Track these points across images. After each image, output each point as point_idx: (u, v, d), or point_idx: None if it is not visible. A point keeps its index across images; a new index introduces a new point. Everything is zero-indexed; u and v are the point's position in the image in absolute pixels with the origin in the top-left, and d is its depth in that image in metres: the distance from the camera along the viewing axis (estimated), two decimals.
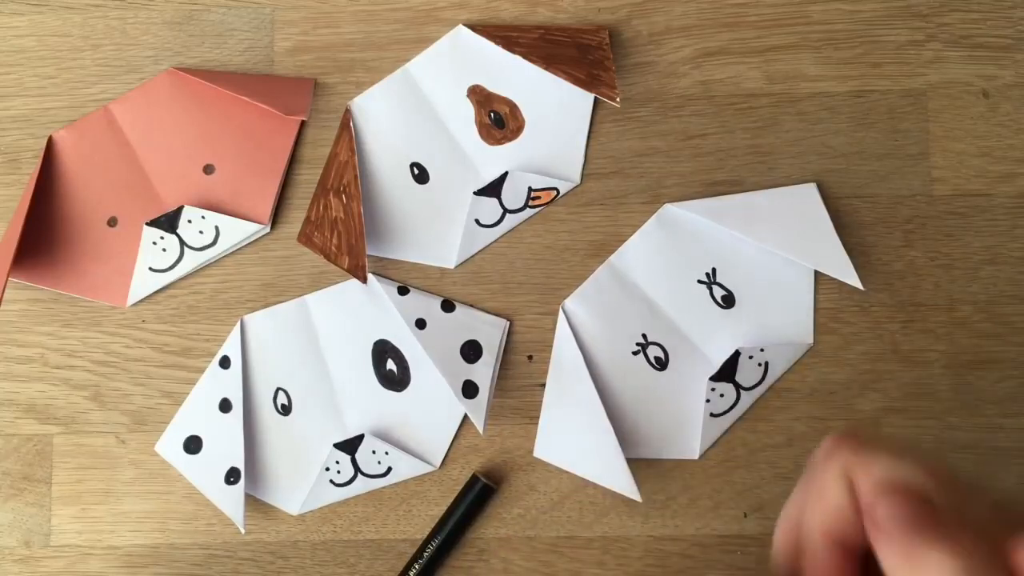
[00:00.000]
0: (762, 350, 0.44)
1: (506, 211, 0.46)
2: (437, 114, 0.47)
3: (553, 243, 0.46)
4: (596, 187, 0.46)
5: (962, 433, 0.45)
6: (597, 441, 0.43)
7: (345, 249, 0.44)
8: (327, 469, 0.45)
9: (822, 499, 0.25)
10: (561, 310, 0.46)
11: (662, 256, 0.46)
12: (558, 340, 0.45)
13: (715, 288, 0.45)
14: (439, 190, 0.46)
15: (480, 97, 0.46)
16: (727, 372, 0.44)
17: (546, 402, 0.45)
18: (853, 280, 0.43)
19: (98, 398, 0.47)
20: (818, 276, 0.45)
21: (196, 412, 0.46)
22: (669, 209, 0.46)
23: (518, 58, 0.45)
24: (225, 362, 0.46)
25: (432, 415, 0.46)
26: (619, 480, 0.43)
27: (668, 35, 0.46)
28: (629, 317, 0.45)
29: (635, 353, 0.45)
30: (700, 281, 0.45)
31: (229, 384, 0.46)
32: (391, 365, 0.46)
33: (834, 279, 0.45)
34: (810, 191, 0.45)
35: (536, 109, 0.46)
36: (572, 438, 0.45)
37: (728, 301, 0.45)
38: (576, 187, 0.46)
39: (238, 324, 0.46)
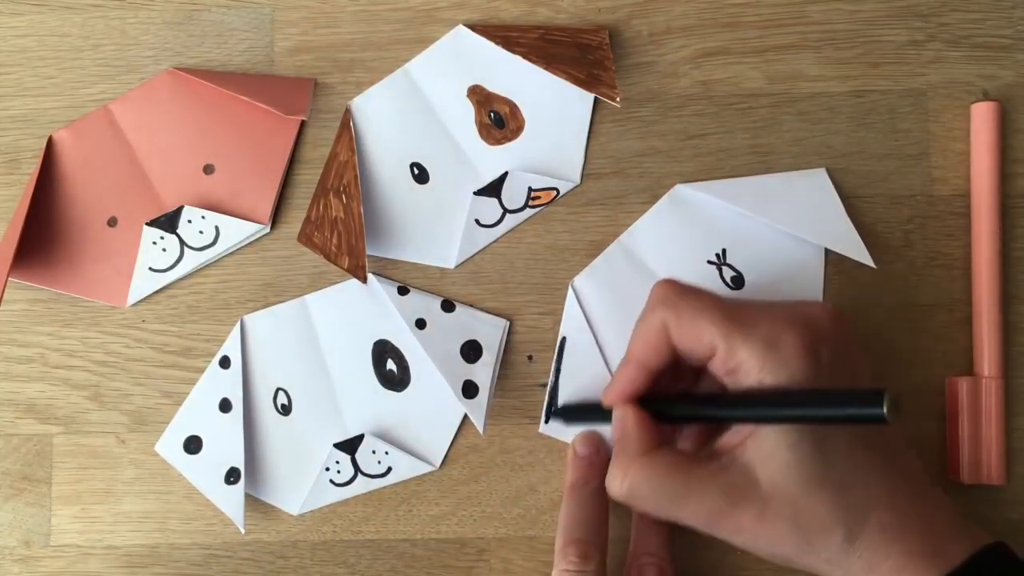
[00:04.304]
0: None
1: (506, 211, 0.46)
2: (437, 114, 0.47)
3: (553, 243, 0.46)
4: (596, 187, 0.46)
5: None
6: (606, 417, 0.43)
7: (345, 249, 0.44)
8: (327, 469, 0.45)
9: (644, 335, 0.39)
10: (570, 287, 0.46)
11: (672, 236, 0.45)
12: (567, 317, 0.45)
13: (725, 269, 0.45)
14: (439, 190, 0.46)
15: (480, 97, 0.46)
16: None
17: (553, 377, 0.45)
18: (865, 258, 0.43)
19: (98, 398, 0.47)
20: (825, 273, 0.45)
21: (196, 412, 0.46)
22: (680, 189, 0.46)
23: (518, 58, 0.45)
24: (225, 362, 0.46)
25: (432, 415, 0.46)
26: None
27: (668, 35, 0.46)
28: (638, 296, 0.45)
29: None
30: (710, 262, 0.45)
31: (229, 384, 0.46)
32: (391, 365, 0.46)
33: (836, 279, 0.45)
34: (820, 175, 0.45)
35: (536, 109, 0.46)
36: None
37: (737, 282, 0.45)
38: (576, 187, 0.46)
39: (238, 324, 0.46)
